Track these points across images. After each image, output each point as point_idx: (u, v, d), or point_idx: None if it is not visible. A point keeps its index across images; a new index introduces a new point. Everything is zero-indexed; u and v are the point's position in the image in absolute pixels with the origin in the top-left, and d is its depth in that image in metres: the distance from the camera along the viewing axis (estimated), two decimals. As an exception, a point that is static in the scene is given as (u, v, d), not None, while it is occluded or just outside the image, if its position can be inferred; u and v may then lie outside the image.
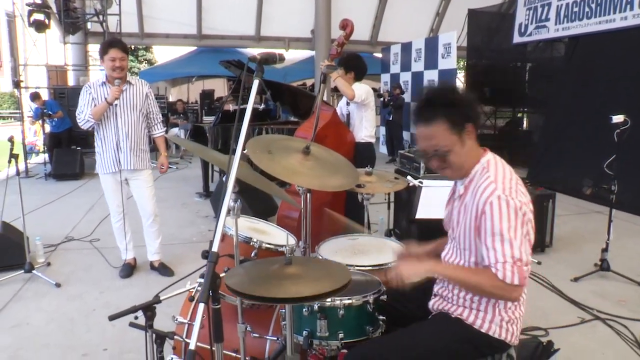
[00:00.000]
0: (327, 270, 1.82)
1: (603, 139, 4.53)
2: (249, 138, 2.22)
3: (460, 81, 16.03)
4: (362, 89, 4.93)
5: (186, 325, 2.49)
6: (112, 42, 4.21)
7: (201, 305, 1.33)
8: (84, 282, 4.50)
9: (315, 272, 1.76)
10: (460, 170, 2.04)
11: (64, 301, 4.11)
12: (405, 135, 12.64)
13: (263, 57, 1.67)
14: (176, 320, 2.52)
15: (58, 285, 4.37)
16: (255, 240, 2.39)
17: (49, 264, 4.90)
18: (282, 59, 1.76)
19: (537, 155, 9.34)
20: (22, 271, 4.50)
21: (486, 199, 1.89)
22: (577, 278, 4.58)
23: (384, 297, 2.16)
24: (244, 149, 1.66)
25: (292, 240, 2.64)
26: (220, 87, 18.21)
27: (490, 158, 2.05)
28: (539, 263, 4.94)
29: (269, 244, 2.42)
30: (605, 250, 4.66)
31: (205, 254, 1.44)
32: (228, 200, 1.45)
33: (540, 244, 5.30)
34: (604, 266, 4.64)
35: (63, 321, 3.76)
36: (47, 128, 10.27)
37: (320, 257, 2.55)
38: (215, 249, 1.41)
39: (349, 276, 1.68)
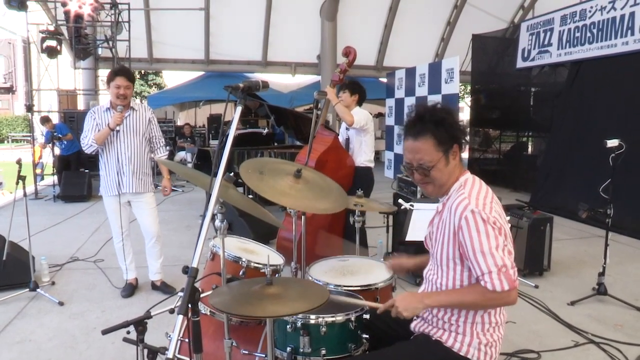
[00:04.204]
0: (305, 290, 1.89)
1: (604, 163, 4.58)
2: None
3: (466, 104, 16.15)
4: (362, 115, 5.03)
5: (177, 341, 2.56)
6: (118, 71, 4.36)
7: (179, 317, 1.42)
8: (87, 301, 4.59)
9: (294, 292, 1.84)
10: (442, 188, 2.12)
11: (66, 319, 4.20)
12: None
13: (246, 86, 1.77)
14: (169, 336, 2.60)
15: (61, 303, 4.47)
16: (244, 259, 2.48)
17: (53, 283, 5.00)
18: (265, 85, 1.85)
19: (540, 179, 9.39)
20: (27, 289, 4.62)
21: (461, 214, 1.97)
22: (573, 302, 4.58)
23: (366, 316, 2.23)
24: (231, 171, 1.75)
25: (277, 260, 2.72)
26: (228, 111, 18.43)
27: (469, 177, 2.13)
28: (536, 287, 4.96)
29: (257, 263, 2.50)
30: (602, 274, 4.67)
31: (185, 270, 1.53)
32: (208, 220, 1.55)
33: (538, 268, 5.30)
34: (600, 290, 4.64)
35: (65, 338, 3.85)
36: (57, 151, 10.49)
37: (310, 278, 2.63)
38: (194, 264, 1.49)
39: (326, 296, 1.76)
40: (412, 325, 2.24)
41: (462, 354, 2.05)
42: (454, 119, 2.10)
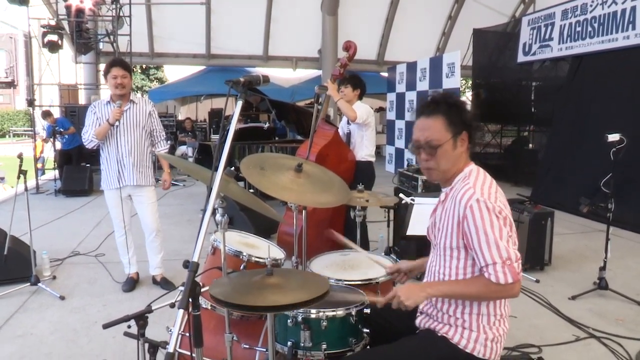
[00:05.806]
0: (306, 280, 1.89)
1: (605, 158, 4.57)
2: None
3: (467, 99, 16.12)
4: (364, 110, 5.02)
5: (178, 335, 2.57)
6: (113, 62, 4.37)
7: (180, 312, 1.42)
8: (88, 295, 4.60)
9: (294, 282, 1.84)
10: (446, 173, 2.12)
11: (67, 313, 4.21)
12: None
13: (247, 80, 1.76)
14: (170, 330, 2.60)
15: (62, 297, 4.48)
16: (244, 254, 2.48)
17: (54, 277, 5.02)
18: (266, 80, 1.84)
19: (541, 174, 9.38)
20: (29, 284, 4.63)
21: (466, 203, 1.97)
22: (574, 296, 4.58)
23: (367, 311, 2.23)
24: (232, 165, 1.75)
25: (277, 253, 2.72)
26: (229, 106, 18.37)
27: (473, 168, 2.13)
28: (537, 281, 4.96)
29: (258, 257, 2.51)
30: (602, 268, 4.66)
31: (186, 264, 1.53)
32: (209, 214, 1.54)
33: (539, 262, 5.29)
34: (601, 285, 4.63)
35: (66, 332, 3.86)
36: (58, 145, 10.50)
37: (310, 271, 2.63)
38: (195, 259, 1.50)
39: (327, 286, 1.76)
40: (417, 321, 2.22)
41: (467, 350, 2.03)
42: (467, 108, 2.13)
